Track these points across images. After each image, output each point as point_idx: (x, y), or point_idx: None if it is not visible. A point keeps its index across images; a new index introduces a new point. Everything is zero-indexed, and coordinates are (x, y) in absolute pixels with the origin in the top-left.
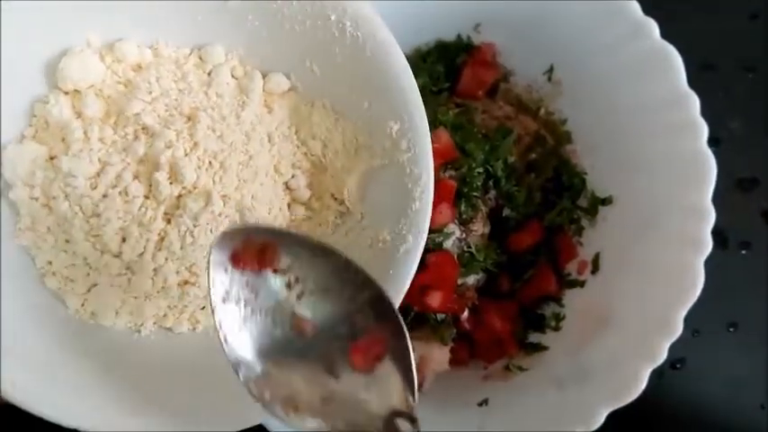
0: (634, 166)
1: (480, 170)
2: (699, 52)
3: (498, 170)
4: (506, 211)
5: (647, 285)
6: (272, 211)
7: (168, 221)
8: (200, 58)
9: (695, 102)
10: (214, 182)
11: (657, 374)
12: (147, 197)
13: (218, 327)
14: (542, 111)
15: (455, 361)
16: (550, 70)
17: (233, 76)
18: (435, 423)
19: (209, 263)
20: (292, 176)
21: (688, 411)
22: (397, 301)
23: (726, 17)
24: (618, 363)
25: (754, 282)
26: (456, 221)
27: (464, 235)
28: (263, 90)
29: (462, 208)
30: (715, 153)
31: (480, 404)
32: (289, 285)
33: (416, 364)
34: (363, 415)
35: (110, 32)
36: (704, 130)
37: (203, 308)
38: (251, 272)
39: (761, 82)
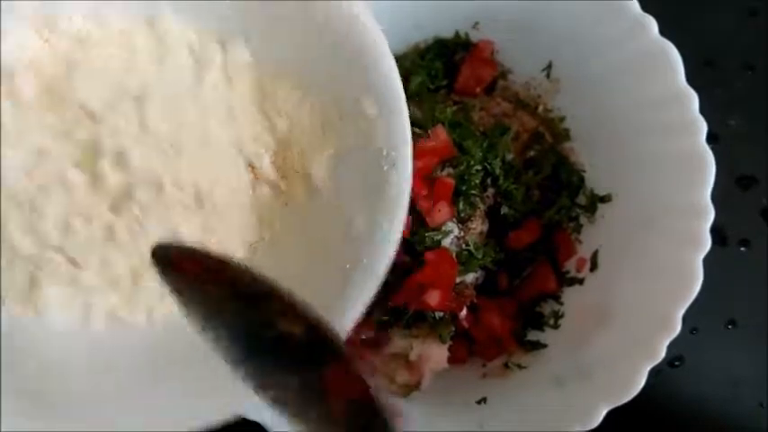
0: (633, 163)
1: (478, 168)
2: (698, 49)
3: (496, 168)
4: (505, 209)
5: (645, 283)
6: (233, 194)
7: (115, 212)
8: (151, 29)
9: (694, 99)
10: (166, 167)
11: (656, 372)
12: (90, 187)
13: None
14: (541, 108)
15: (454, 359)
16: (549, 67)
17: (188, 47)
18: (434, 421)
19: None
20: (255, 154)
21: (686, 409)
22: (371, 292)
23: (725, 14)
24: (616, 361)
25: (752, 279)
26: (454, 219)
27: (462, 233)
28: (223, 62)
29: (460, 206)
30: (714, 150)
31: (479, 402)
32: None
33: (415, 363)
34: None
35: (47, 2)
36: (703, 127)
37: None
38: None
39: (760, 79)
